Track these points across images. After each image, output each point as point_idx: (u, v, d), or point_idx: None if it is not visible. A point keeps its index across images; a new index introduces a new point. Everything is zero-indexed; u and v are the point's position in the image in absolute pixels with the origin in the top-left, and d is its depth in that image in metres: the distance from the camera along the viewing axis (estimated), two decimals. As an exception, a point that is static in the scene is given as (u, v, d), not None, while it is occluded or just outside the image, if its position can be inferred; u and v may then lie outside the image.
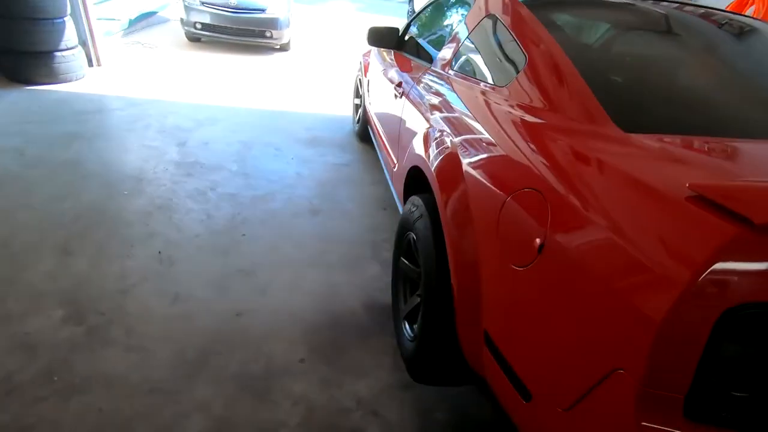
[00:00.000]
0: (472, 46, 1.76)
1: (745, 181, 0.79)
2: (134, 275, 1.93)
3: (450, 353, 1.31)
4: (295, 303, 1.90)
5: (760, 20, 1.94)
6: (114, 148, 3.14)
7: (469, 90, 1.57)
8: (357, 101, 3.82)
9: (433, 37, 2.45)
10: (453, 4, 2.40)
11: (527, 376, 0.93)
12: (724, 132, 1.06)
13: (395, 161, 2.22)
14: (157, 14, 7.60)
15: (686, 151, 0.98)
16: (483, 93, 1.47)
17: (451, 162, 1.35)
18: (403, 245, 1.67)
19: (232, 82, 5.05)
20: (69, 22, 4.11)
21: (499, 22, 1.58)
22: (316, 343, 1.71)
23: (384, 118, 2.62)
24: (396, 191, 2.19)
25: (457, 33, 1.92)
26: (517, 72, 1.35)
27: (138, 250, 2.09)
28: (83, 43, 4.49)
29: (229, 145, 3.34)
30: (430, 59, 2.15)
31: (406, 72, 2.30)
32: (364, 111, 3.43)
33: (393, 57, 2.70)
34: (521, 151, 1.11)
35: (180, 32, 6.60)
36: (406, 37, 2.75)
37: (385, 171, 2.59)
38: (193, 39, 6.56)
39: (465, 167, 1.27)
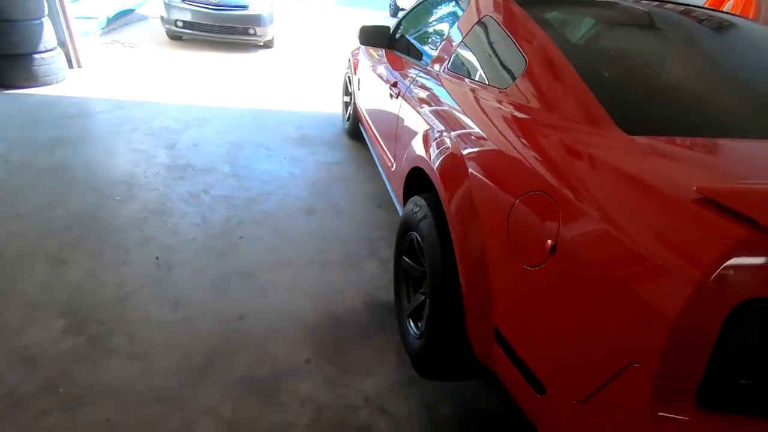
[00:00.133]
0: (470, 46, 1.77)
1: (751, 184, 0.82)
2: (132, 282, 1.91)
3: (458, 349, 1.34)
4: (297, 303, 1.91)
5: (738, 17, 2.00)
6: (101, 152, 3.07)
7: (468, 91, 1.58)
8: (347, 99, 3.81)
9: (427, 36, 2.45)
10: (447, 1, 2.40)
11: (541, 371, 0.96)
12: (724, 132, 1.09)
13: (392, 160, 2.23)
14: (135, 12, 7.43)
15: (690, 153, 1.01)
16: (480, 92, 1.49)
17: (454, 162, 1.37)
18: (405, 245, 1.69)
19: (218, 81, 4.98)
20: (47, 22, 4.00)
21: (496, 23, 1.60)
22: (320, 343, 1.72)
23: (378, 116, 2.62)
24: (394, 190, 2.20)
25: (452, 32, 1.92)
26: (518, 76, 1.37)
27: (134, 257, 2.06)
28: (62, 44, 4.37)
29: (220, 147, 3.31)
30: (424, 58, 2.16)
31: (401, 71, 2.30)
32: (355, 109, 3.42)
33: (385, 55, 2.69)
34: (519, 152, 1.13)
35: (160, 30, 6.48)
36: (398, 36, 2.75)
37: (380, 168, 2.59)
38: (175, 37, 6.44)
39: (470, 169, 1.29)
